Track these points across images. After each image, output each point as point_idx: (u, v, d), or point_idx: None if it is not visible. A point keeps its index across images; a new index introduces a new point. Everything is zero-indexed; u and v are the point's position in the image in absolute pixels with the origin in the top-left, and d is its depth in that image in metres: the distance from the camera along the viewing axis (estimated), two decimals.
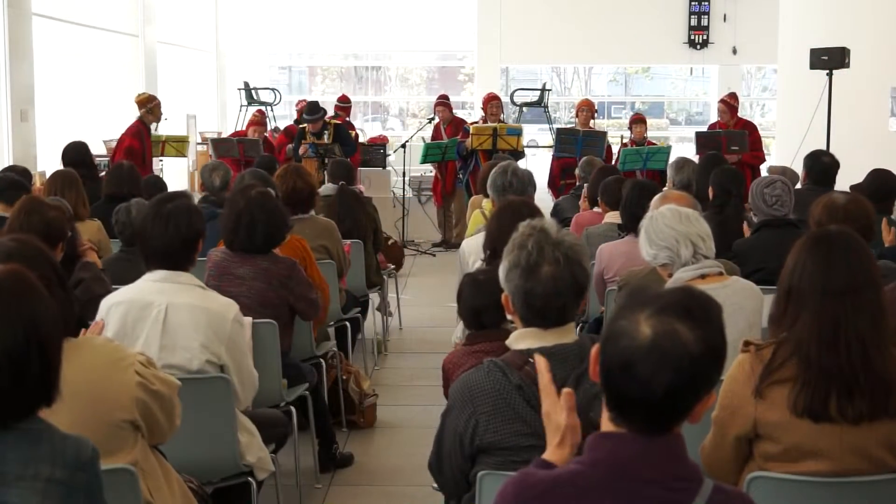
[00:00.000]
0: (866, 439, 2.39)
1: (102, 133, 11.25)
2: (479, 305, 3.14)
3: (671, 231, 3.24)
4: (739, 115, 10.25)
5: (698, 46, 16.64)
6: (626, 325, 1.62)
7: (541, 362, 1.88)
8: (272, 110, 13.61)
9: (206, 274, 4.11)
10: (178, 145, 10.16)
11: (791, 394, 2.40)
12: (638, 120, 10.58)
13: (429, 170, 11.76)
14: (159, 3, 13.66)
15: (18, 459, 1.93)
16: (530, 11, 16.48)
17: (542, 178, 8.82)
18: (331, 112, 10.96)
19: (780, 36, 12.32)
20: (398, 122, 23.75)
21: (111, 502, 2.13)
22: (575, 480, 1.64)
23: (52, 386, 1.98)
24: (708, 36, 16.60)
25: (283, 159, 9.85)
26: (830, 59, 9.52)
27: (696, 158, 7.62)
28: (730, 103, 9.92)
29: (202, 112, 14.72)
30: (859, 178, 5.50)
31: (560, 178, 10.28)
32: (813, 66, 9.70)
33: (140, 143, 9.06)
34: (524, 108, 13.76)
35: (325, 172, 8.55)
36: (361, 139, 12.76)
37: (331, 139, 10.02)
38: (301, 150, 10.06)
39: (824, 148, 8.75)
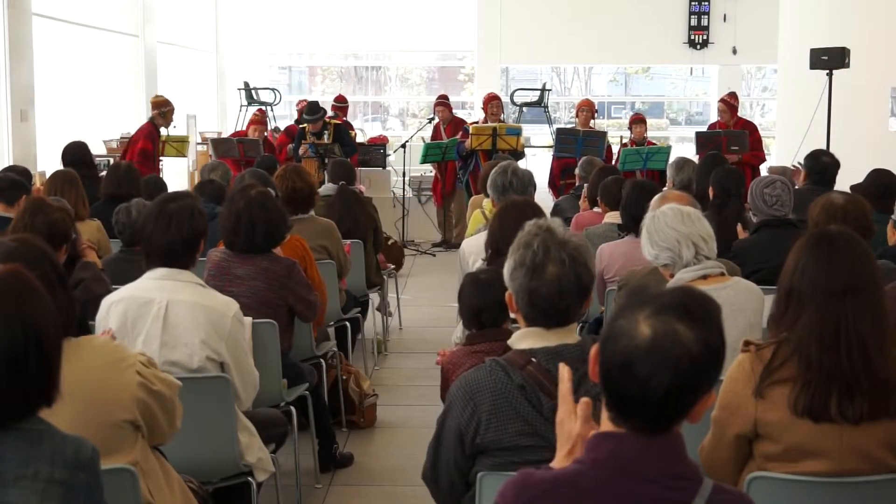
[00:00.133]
0: (867, 439, 2.39)
1: (102, 133, 11.25)
2: (480, 305, 3.14)
3: (673, 232, 3.23)
4: (739, 114, 10.25)
5: (698, 46, 16.64)
6: (625, 325, 1.62)
7: (564, 371, 1.87)
8: (272, 110, 13.60)
9: (205, 274, 4.11)
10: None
11: (791, 394, 2.40)
12: (638, 120, 10.59)
13: (429, 170, 11.76)
14: (159, 3, 13.66)
15: (18, 459, 1.93)
16: (530, 11, 16.48)
17: (542, 178, 8.82)
18: (328, 112, 10.96)
19: (780, 36, 12.31)
20: (398, 122, 23.73)
21: (111, 502, 2.13)
22: (575, 480, 1.64)
23: (51, 386, 1.98)
24: (708, 36, 16.59)
25: (284, 159, 9.86)
26: (830, 59, 9.52)
27: (696, 158, 7.63)
28: (730, 103, 9.93)
29: (202, 112, 14.71)
30: (859, 178, 5.50)
31: (560, 178, 10.28)
32: (813, 66, 9.70)
33: (153, 144, 9.11)
34: (524, 108, 13.75)
35: (325, 172, 8.56)
36: (361, 139, 12.77)
37: (331, 139, 10.03)
38: (301, 151, 10.06)
39: (824, 148, 8.75)
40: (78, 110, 11.52)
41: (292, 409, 4.17)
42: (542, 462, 1.87)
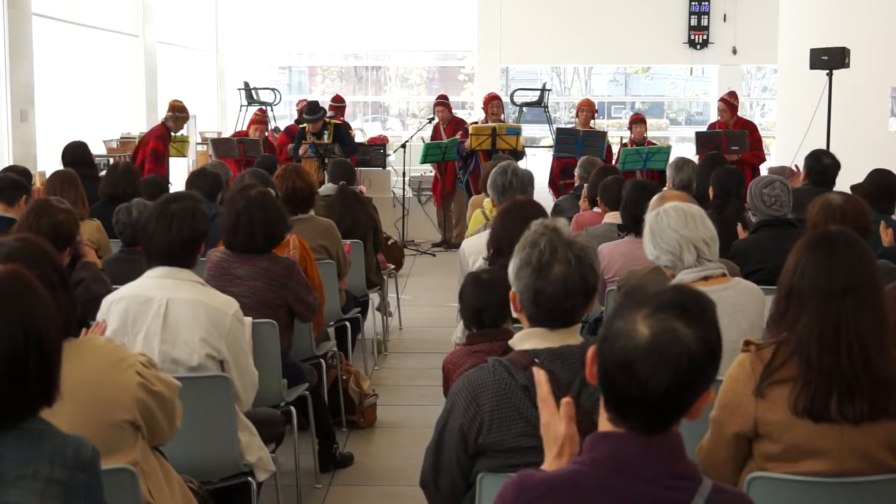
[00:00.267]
0: (867, 439, 2.39)
1: (102, 133, 11.25)
2: (481, 305, 3.15)
3: (675, 235, 3.20)
4: (739, 114, 10.25)
5: (698, 46, 16.63)
6: (623, 326, 1.62)
7: (539, 374, 1.87)
8: (272, 110, 13.60)
9: (205, 274, 4.11)
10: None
11: (791, 394, 2.40)
12: (638, 120, 10.59)
13: (429, 170, 11.76)
14: (159, 3, 13.66)
15: (18, 459, 1.93)
16: (530, 11, 16.47)
17: (542, 178, 8.82)
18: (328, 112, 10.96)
19: (780, 36, 12.31)
20: (398, 122, 23.72)
21: (111, 502, 2.13)
22: (575, 481, 1.64)
23: (52, 386, 1.98)
24: (708, 36, 16.59)
25: (284, 159, 9.86)
26: (830, 59, 9.51)
27: (696, 158, 7.63)
28: (730, 102, 9.93)
29: (202, 112, 14.70)
30: (859, 178, 5.50)
31: (560, 178, 10.29)
32: (813, 66, 9.70)
33: (164, 145, 9.16)
34: (524, 108, 13.75)
35: (325, 172, 8.56)
36: (361, 139, 12.77)
37: (331, 139, 10.03)
38: (301, 151, 10.06)
39: (824, 148, 8.75)
40: (78, 110, 11.51)
41: (292, 409, 4.17)
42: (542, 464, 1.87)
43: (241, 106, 14.00)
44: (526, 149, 11.18)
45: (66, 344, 2.10)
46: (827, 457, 2.41)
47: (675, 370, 1.58)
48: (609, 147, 10.44)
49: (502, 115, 10.89)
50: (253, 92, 14.05)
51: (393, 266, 7.70)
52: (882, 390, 2.36)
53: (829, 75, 9.53)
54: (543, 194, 9.21)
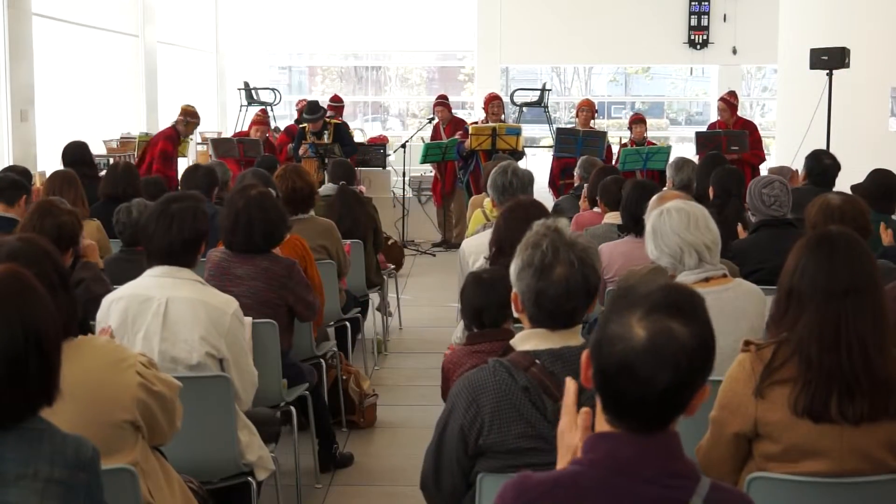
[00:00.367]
0: (867, 440, 2.39)
1: (102, 133, 11.25)
2: (482, 304, 3.15)
3: (676, 239, 3.18)
4: (739, 114, 10.25)
5: (698, 46, 16.63)
6: (618, 329, 1.62)
7: (571, 384, 1.87)
8: (272, 110, 13.60)
9: (206, 274, 4.11)
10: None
11: (791, 394, 2.40)
12: (638, 120, 10.59)
13: (429, 170, 11.76)
14: (159, 3, 13.66)
15: (18, 459, 1.93)
16: (530, 11, 16.47)
17: (542, 178, 8.82)
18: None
19: (780, 36, 12.30)
20: (398, 122, 23.72)
21: (111, 502, 2.13)
22: (574, 481, 1.65)
23: (52, 385, 1.98)
24: (708, 36, 16.59)
25: (284, 159, 9.86)
26: (830, 59, 9.51)
27: (695, 158, 7.63)
28: (730, 101, 9.93)
29: (202, 112, 14.66)
30: (859, 178, 5.50)
31: (560, 178, 10.29)
32: (813, 66, 9.70)
33: (173, 147, 9.19)
34: (524, 108, 13.75)
35: (325, 172, 8.56)
36: (361, 139, 12.77)
37: (331, 139, 10.03)
38: (301, 151, 10.06)
39: (824, 148, 8.75)
40: (78, 110, 11.52)
41: (292, 409, 4.17)
42: (543, 466, 1.87)
43: (241, 106, 14.00)
44: (526, 149, 11.18)
45: (66, 344, 2.11)
46: (827, 457, 2.41)
47: (675, 369, 1.59)
48: (609, 147, 10.45)
49: (503, 115, 10.89)
50: (253, 92, 14.05)
51: (393, 266, 7.70)
52: (882, 390, 2.36)
53: (829, 75, 9.53)
54: (543, 194, 9.20)
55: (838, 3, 11.01)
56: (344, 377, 5.33)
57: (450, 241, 11.12)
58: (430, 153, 10.57)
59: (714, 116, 10.83)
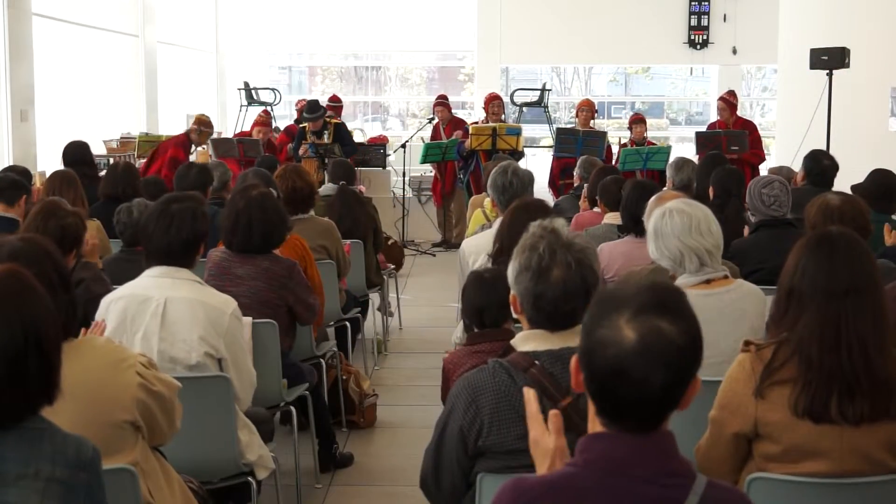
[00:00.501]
0: (867, 440, 2.39)
1: (102, 133, 11.25)
2: (483, 304, 3.15)
3: (677, 243, 3.17)
4: (739, 114, 10.24)
5: (698, 46, 16.63)
6: (608, 334, 1.62)
7: (528, 393, 1.87)
8: (272, 110, 13.59)
9: (206, 274, 4.11)
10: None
11: (792, 394, 2.40)
12: (638, 120, 10.59)
13: (429, 170, 11.76)
14: (159, 3, 13.66)
15: (19, 458, 1.93)
16: (530, 11, 16.46)
17: (542, 178, 8.82)
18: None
19: (780, 36, 12.30)
20: (398, 122, 23.71)
21: (111, 502, 2.13)
22: (570, 483, 1.64)
23: (52, 385, 1.98)
24: (708, 36, 16.58)
25: (284, 159, 9.86)
26: (830, 59, 9.51)
27: (695, 158, 7.63)
28: (729, 101, 9.93)
29: (202, 112, 14.69)
30: (859, 178, 5.50)
31: (560, 178, 10.29)
32: (813, 66, 9.70)
33: (185, 154, 9.21)
34: (524, 108, 13.75)
35: (325, 172, 8.55)
36: (361, 139, 12.77)
37: (331, 139, 10.02)
38: (301, 151, 10.06)
39: (824, 148, 8.74)
40: (78, 110, 11.52)
41: (292, 409, 4.17)
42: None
43: (241, 106, 14.00)
44: (526, 149, 11.18)
45: (66, 344, 2.11)
46: (827, 457, 2.41)
47: (668, 367, 1.60)
48: (609, 147, 10.45)
49: (503, 115, 10.89)
50: (253, 92, 14.04)
51: (393, 266, 7.70)
52: (882, 391, 2.36)
53: (829, 75, 9.53)
54: (543, 194, 9.19)
55: (838, 3, 11.01)
56: (344, 377, 5.33)
57: (450, 241, 11.13)
58: (430, 153, 10.57)
59: (714, 116, 10.83)
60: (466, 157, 10.47)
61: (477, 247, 4.52)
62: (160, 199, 3.58)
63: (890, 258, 4.09)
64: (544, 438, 1.80)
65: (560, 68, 24.27)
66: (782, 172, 6.70)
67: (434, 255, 10.89)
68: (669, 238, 3.20)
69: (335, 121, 10.32)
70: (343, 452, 4.88)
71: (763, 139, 10.86)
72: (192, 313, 3.35)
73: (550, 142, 12.14)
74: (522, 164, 8.02)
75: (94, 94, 12.07)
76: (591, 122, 10.65)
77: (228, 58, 16.84)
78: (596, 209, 5.69)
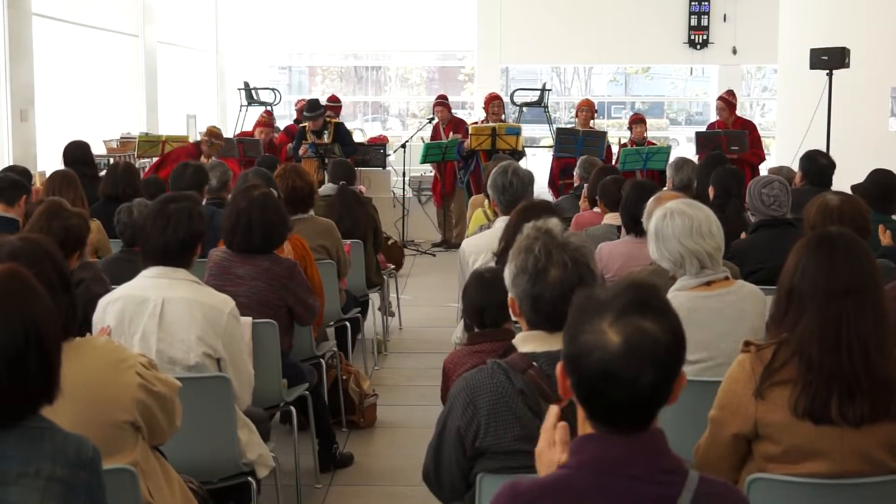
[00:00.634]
0: (867, 441, 2.39)
1: (102, 133, 11.25)
2: (483, 304, 3.15)
3: (678, 246, 3.16)
4: (739, 114, 10.24)
5: (698, 46, 16.63)
6: (591, 338, 1.63)
7: (553, 410, 1.87)
8: (272, 110, 13.59)
9: (206, 273, 4.11)
10: (177, 145, 10.15)
11: (792, 395, 2.40)
12: (637, 120, 10.59)
13: (429, 170, 11.76)
14: (159, 3, 13.66)
15: (19, 457, 1.93)
16: (530, 11, 16.46)
17: (542, 178, 8.82)
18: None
19: (780, 36, 12.30)
20: (398, 122, 23.71)
21: (111, 502, 2.13)
22: (566, 484, 1.65)
23: (52, 384, 1.98)
24: (708, 36, 16.58)
25: (284, 159, 9.86)
26: (830, 59, 9.51)
27: (695, 158, 7.63)
28: (728, 100, 9.93)
29: (202, 112, 14.71)
30: (859, 178, 5.49)
31: (560, 178, 10.29)
32: (813, 66, 9.70)
33: None
34: (524, 108, 13.75)
35: (325, 172, 8.55)
36: (361, 139, 12.77)
37: (331, 139, 10.02)
38: (301, 151, 10.06)
39: (824, 148, 8.74)
40: (78, 110, 11.52)
41: (292, 409, 4.17)
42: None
43: (241, 106, 13.99)
44: (526, 149, 11.18)
45: (66, 344, 2.11)
46: (827, 458, 2.40)
47: (654, 366, 1.61)
48: (609, 147, 10.45)
49: (503, 115, 10.89)
50: (253, 92, 14.04)
51: (393, 266, 7.70)
52: (883, 391, 2.36)
53: (829, 75, 9.53)
54: (543, 194, 9.21)
55: (838, 3, 11.00)
56: (344, 377, 5.33)
57: (450, 241, 11.13)
58: (430, 153, 10.57)
59: (714, 116, 10.83)
60: (466, 157, 10.47)
61: (477, 247, 4.52)
62: (157, 199, 3.58)
63: (890, 258, 4.09)
64: (549, 451, 1.81)
65: (560, 68, 24.27)
66: (782, 172, 6.70)
67: (434, 255, 10.89)
68: (670, 240, 3.19)
69: (335, 121, 10.32)
70: (343, 452, 4.88)
71: (763, 139, 10.87)
72: (189, 313, 3.35)
73: (550, 142, 12.14)
74: (523, 164, 8.02)
75: (94, 94, 12.07)
76: (591, 122, 10.65)
77: (228, 58, 16.84)
78: (596, 209, 5.69)
